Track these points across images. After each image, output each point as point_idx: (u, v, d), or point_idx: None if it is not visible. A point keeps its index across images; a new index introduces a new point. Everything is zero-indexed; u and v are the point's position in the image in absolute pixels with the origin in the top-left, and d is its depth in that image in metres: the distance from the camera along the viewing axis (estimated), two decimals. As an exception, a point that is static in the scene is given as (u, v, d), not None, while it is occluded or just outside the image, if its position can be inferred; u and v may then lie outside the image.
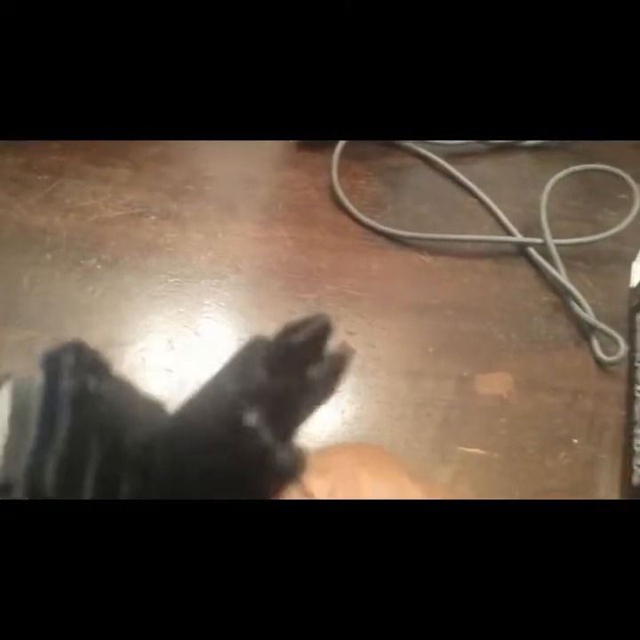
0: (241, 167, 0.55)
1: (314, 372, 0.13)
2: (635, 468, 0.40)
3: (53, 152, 0.52)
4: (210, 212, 0.52)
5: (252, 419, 0.12)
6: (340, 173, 0.54)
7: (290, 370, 0.13)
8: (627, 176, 0.54)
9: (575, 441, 0.43)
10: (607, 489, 0.41)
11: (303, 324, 0.13)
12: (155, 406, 0.14)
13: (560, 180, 0.54)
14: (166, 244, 0.49)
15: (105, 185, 0.51)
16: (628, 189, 0.53)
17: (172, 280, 0.48)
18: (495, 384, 0.45)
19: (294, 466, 0.12)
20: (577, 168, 0.55)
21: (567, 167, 0.55)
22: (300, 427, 0.13)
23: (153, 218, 0.51)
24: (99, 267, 0.48)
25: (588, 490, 0.41)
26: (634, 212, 0.52)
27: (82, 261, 0.48)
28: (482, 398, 0.44)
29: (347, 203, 0.53)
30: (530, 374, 0.46)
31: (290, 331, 0.13)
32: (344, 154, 0.55)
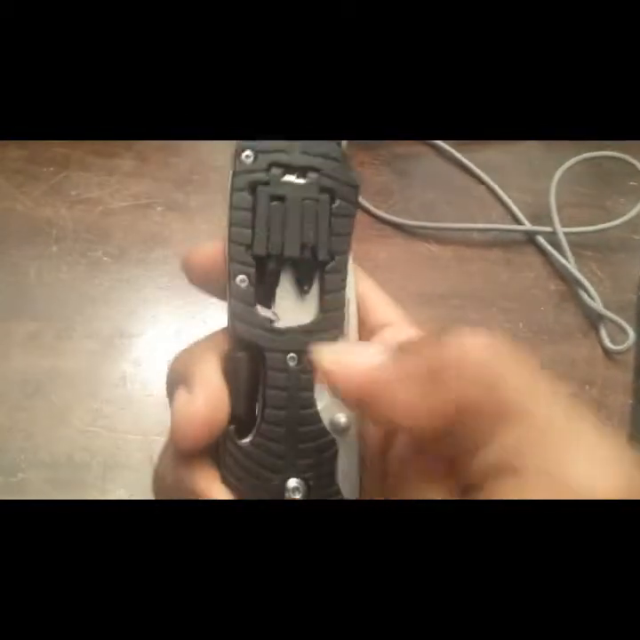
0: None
1: None
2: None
3: (57, 144, 0.52)
4: (216, 201, 0.52)
5: None
6: (347, 162, 0.54)
7: None
8: (637, 163, 0.53)
9: (582, 431, 0.43)
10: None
11: None
12: None
13: (570, 167, 0.54)
14: (172, 235, 0.49)
15: (110, 176, 0.51)
16: (639, 176, 0.53)
17: (178, 271, 0.48)
18: (501, 374, 0.45)
19: None
20: (587, 155, 0.54)
21: (577, 154, 0.54)
22: None
23: (159, 209, 0.51)
24: (105, 259, 0.48)
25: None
26: (644, 199, 0.52)
27: (88, 253, 0.48)
28: (488, 388, 0.44)
29: (353, 192, 0.53)
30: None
31: None
32: (351, 142, 0.55)
